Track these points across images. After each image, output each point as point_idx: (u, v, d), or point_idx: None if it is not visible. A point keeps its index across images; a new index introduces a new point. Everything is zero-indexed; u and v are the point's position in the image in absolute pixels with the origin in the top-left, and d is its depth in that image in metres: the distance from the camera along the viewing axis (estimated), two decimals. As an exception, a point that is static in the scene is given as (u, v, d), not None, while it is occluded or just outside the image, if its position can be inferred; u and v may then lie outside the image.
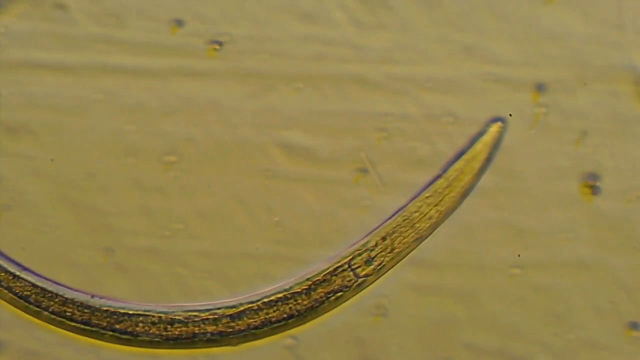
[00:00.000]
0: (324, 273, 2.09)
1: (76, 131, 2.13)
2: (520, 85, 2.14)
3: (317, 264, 2.11)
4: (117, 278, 2.11)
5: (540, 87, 2.14)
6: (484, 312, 2.11)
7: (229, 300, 2.09)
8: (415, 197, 2.12)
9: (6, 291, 2.08)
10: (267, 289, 2.11)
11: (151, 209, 2.12)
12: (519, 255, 2.10)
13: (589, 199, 2.12)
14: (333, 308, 2.09)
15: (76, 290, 2.09)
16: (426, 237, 2.11)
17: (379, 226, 2.11)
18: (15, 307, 2.08)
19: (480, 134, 2.14)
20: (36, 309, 2.07)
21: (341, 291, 2.09)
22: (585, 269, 2.12)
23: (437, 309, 2.12)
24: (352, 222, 2.12)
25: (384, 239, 2.10)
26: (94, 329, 2.07)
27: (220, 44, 2.16)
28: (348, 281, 2.09)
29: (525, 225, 2.12)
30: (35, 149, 2.12)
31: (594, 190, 2.12)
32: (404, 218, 2.11)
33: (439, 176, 2.12)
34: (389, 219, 2.12)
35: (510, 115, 2.12)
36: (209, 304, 2.09)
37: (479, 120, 2.14)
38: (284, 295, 2.08)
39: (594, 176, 2.13)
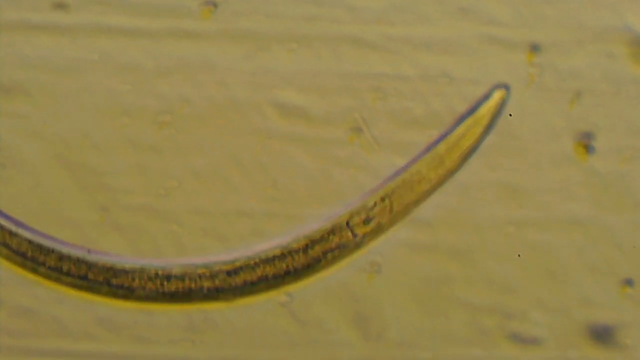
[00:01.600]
0: (322, 231, 2.11)
1: (71, 91, 2.16)
2: (515, 46, 2.17)
3: (311, 222, 2.14)
4: (112, 236, 2.14)
5: (535, 48, 2.16)
6: (478, 270, 2.14)
7: (226, 256, 2.11)
8: (416, 159, 2.13)
9: (3, 247, 2.10)
10: (262, 246, 2.13)
11: (146, 168, 2.15)
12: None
13: (583, 158, 2.15)
14: (330, 266, 2.11)
15: (73, 246, 2.11)
16: (425, 199, 2.13)
17: (378, 186, 2.13)
18: (12, 263, 2.10)
19: (483, 99, 2.14)
20: (33, 265, 2.09)
21: (338, 249, 2.11)
22: (579, 227, 2.14)
23: (432, 267, 2.15)
24: (346, 181, 2.15)
25: (383, 199, 2.12)
26: (90, 284, 2.09)
27: (214, 5, 2.18)
28: (346, 240, 2.11)
29: (520, 184, 2.15)
30: (31, 109, 2.15)
31: (589, 149, 2.15)
32: (404, 180, 2.13)
33: (441, 139, 2.14)
34: (389, 179, 2.13)
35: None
36: (206, 260, 2.11)
37: (474, 80, 2.17)
38: (281, 252, 2.10)
39: (588, 136, 2.15)
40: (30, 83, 2.17)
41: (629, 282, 2.15)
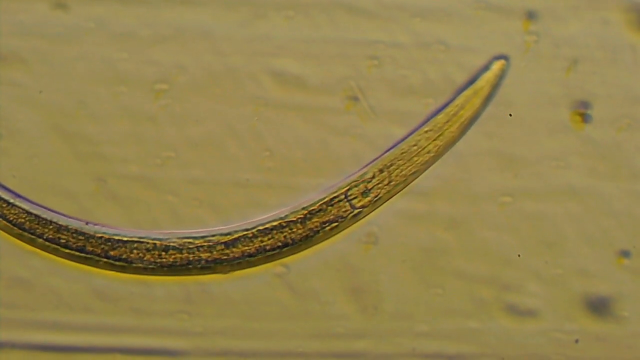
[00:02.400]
0: (320, 202, 2.11)
1: (67, 59, 2.16)
2: (511, 13, 2.18)
3: (308, 192, 2.14)
4: (108, 206, 2.15)
5: (531, 15, 2.16)
6: (474, 240, 2.14)
7: (224, 227, 2.11)
8: (415, 130, 2.14)
9: (0, 219, 2.10)
10: (259, 217, 2.13)
11: (142, 137, 2.15)
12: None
13: (579, 126, 2.15)
14: (328, 238, 2.12)
15: (70, 218, 2.11)
16: (423, 171, 2.13)
17: (377, 158, 2.13)
18: (9, 234, 2.10)
19: (482, 69, 2.14)
20: (31, 236, 2.09)
21: (336, 221, 2.11)
22: (576, 197, 2.15)
23: (428, 237, 2.14)
24: (343, 150, 2.16)
25: (381, 171, 2.12)
26: (88, 255, 2.09)
27: (210, -27, 2.19)
28: (344, 212, 2.11)
29: (516, 153, 2.15)
30: (26, 78, 2.15)
31: (585, 118, 2.15)
32: (402, 151, 2.13)
33: (440, 110, 2.14)
34: (387, 151, 2.13)
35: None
36: (204, 231, 2.11)
37: (470, 48, 2.17)
38: (279, 223, 2.10)
39: (584, 104, 2.15)
40: (25, 51, 2.17)
41: (625, 254, 2.15)
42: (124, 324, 2.16)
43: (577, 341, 2.16)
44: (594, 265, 2.16)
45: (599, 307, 2.16)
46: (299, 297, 2.16)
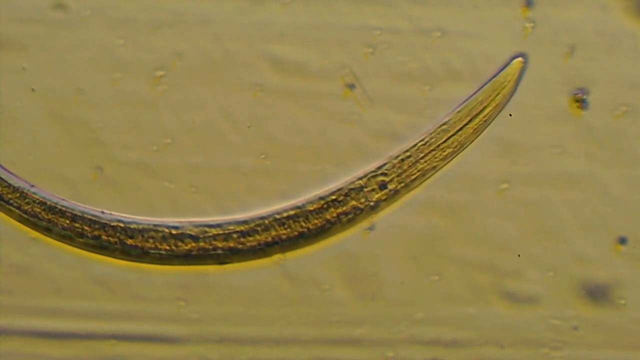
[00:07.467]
0: (338, 193, 2.11)
1: (65, 46, 2.17)
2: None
3: (306, 179, 2.16)
4: (106, 193, 2.16)
5: (529, 2, 2.17)
6: (473, 227, 2.16)
7: (241, 216, 2.12)
8: (436, 126, 2.15)
9: (15, 209, 2.12)
10: (256, 202, 2.14)
11: (140, 124, 2.17)
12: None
13: (578, 113, 2.17)
14: (344, 230, 2.12)
15: (86, 206, 2.13)
16: (442, 167, 2.14)
17: (396, 152, 2.14)
18: (21, 223, 2.11)
19: (501, 68, 2.16)
20: (47, 225, 2.10)
21: (352, 213, 2.11)
22: (574, 183, 2.16)
23: (426, 224, 2.15)
24: (341, 136, 2.16)
25: (400, 165, 2.13)
26: (104, 244, 2.10)
27: (208, -41, 2.20)
28: (361, 204, 2.12)
29: (514, 139, 2.16)
30: (25, 64, 2.15)
31: (583, 104, 2.16)
32: (424, 143, 2.13)
33: (459, 106, 2.15)
34: (410, 146, 2.14)
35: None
36: (220, 220, 2.11)
37: (469, 35, 2.18)
38: (296, 213, 2.11)
39: (583, 91, 2.16)
40: (23, 37, 2.18)
41: (623, 240, 2.17)
42: (122, 311, 2.17)
43: (575, 328, 2.18)
44: (592, 252, 2.18)
45: (597, 294, 2.18)
46: (296, 284, 2.17)
